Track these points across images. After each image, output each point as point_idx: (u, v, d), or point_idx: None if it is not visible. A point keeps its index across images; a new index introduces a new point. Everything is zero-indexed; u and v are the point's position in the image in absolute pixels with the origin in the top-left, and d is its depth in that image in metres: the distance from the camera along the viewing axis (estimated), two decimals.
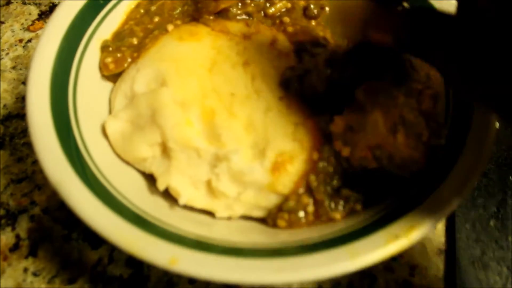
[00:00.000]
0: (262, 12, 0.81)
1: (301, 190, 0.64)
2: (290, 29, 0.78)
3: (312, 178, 0.64)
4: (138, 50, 0.76)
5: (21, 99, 0.91)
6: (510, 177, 0.84)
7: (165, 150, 0.67)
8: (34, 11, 1.05)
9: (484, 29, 0.42)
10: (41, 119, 0.65)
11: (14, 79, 0.94)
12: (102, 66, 0.75)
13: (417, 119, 0.64)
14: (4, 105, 0.91)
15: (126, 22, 0.81)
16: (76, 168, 0.62)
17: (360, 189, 0.64)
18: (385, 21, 0.54)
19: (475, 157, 0.64)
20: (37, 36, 1.01)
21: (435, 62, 0.50)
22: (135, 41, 0.77)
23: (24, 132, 0.87)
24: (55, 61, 0.70)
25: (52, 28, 0.73)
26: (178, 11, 0.81)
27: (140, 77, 0.71)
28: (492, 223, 0.78)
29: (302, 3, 0.81)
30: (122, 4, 0.82)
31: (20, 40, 1.00)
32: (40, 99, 0.66)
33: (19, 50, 0.99)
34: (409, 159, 0.62)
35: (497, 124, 0.65)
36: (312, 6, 0.79)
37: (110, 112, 0.74)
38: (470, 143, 0.65)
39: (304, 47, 0.75)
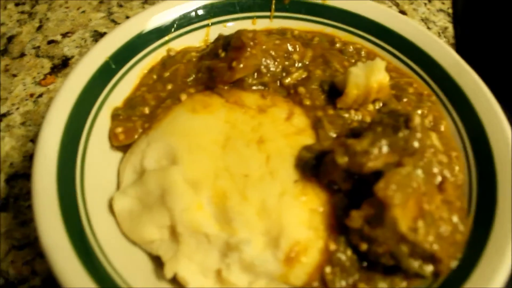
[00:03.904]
0: (278, 82, 0.79)
1: (315, 284, 0.61)
2: (307, 102, 0.76)
3: (327, 270, 0.61)
4: (150, 121, 0.74)
5: (29, 158, 0.89)
6: None
7: (174, 233, 0.64)
8: (47, 64, 1.04)
9: None
10: (46, 191, 0.63)
11: (23, 136, 0.93)
12: (112, 137, 0.73)
13: (438, 211, 0.61)
14: (11, 164, 0.89)
15: (138, 88, 0.79)
16: (76, 247, 0.59)
17: (378, 285, 0.61)
18: None
19: (500, 253, 0.60)
20: (48, 91, 0.99)
21: None
22: (146, 110, 0.75)
23: (30, 193, 0.85)
24: (64, 131, 0.69)
25: (63, 95, 0.71)
26: (191, 78, 0.79)
27: (151, 151, 0.69)
28: None
29: (318, 72, 0.79)
30: (135, 68, 0.80)
31: (31, 95, 0.99)
32: (46, 173, 0.64)
33: (30, 105, 0.97)
34: (429, 258, 0.58)
35: None
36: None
37: (118, 184, 0.72)
38: (495, 237, 0.62)
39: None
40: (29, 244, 0.79)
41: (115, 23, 1.15)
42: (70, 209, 0.63)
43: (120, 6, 1.20)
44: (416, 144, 0.60)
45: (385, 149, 0.60)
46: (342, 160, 0.60)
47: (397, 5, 1.26)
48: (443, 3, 1.28)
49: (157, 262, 0.66)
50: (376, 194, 0.57)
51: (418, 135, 0.61)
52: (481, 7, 1.26)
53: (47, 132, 0.67)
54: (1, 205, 0.83)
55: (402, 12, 1.23)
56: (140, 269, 0.64)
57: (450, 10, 1.26)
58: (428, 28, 1.20)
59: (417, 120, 0.61)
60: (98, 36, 1.11)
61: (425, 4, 1.27)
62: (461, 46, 1.16)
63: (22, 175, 0.87)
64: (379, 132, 0.62)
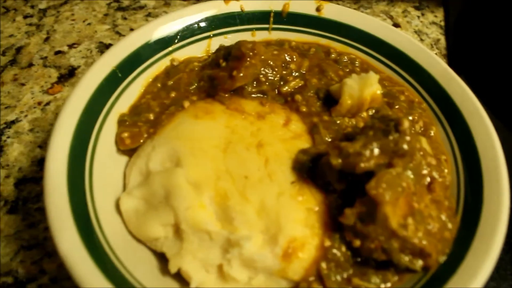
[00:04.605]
0: (276, 90, 0.83)
1: (312, 278, 0.64)
2: (303, 108, 0.80)
3: (323, 265, 0.64)
4: (155, 126, 0.78)
5: (37, 163, 0.93)
6: None
7: (178, 231, 0.67)
8: (54, 74, 1.09)
9: None
10: (57, 193, 0.66)
11: (31, 142, 0.96)
12: (119, 141, 0.77)
13: (427, 209, 0.64)
14: (19, 168, 0.92)
15: (143, 95, 0.83)
16: (87, 243, 0.62)
17: (371, 279, 0.64)
18: None
19: (485, 250, 0.63)
20: (56, 99, 1.03)
21: None
22: (151, 116, 0.79)
23: (38, 196, 0.88)
24: (74, 135, 0.72)
25: (73, 101, 0.75)
26: (194, 86, 0.84)
27: (156, 155, 0.73)
28: None
29: (314, 80, 0.84)
30: (140, 77, 0.85)
31: (39, 103, 1.03)
32: (57, 174, 0.68)
33: (38, 113, 1.01)
34: (419, 253, 0.62)
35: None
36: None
37: (124, 186, 0.75)
38: (480, 235, 0.65)
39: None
40: (38, 244, 0.82)
41: (120, 35, 1.19)
42: (80, 208, 0.66)
43: (125, 18, 1.24)
44: (405, 146, 0.64)
45: (376, 151, 0.64)
46: (336, 161, 0.64)
47: (391, 18, 1.31)
48: (435, 16, 1.33)
49: (162, 259, 0.69)
50: (368, 192, 0.61)
51: (407, 138, 0.65)
52: (472, 20, 1.32)
53: (58, 136, 0.71)
54: (11, 207, 0.86)
55: (396, 24, 1.28)
56: (146, 265, 0.68)
57: (443, 23, 1.31)
58: (421, 40, 1.25)
59: (406, 124, 0.65)
60: (103, 47, 1.15)
61: (418, 17, 1.32)
62: (453, 57, 1.21)
63: (30, 179, 0.91)
64: (370, 136, 0.66)
